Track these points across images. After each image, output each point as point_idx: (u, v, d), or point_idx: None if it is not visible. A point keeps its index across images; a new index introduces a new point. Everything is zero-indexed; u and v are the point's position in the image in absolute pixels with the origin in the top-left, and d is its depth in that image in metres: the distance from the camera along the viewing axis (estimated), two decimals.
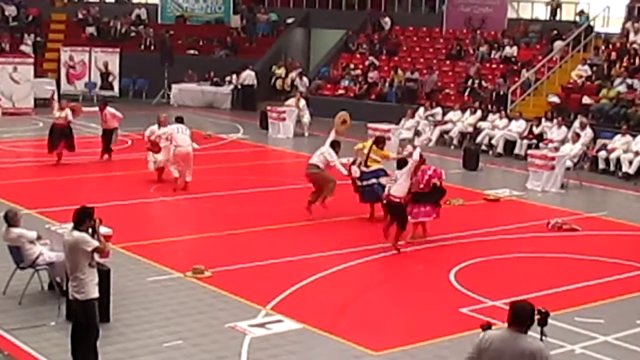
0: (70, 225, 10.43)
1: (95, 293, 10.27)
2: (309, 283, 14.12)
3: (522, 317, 7.62)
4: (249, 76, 36.06)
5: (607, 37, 31.89)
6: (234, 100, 36.44)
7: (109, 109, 24.00)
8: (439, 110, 29.90)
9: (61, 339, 11.03)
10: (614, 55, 29.89)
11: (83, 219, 10.26)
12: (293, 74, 36.86)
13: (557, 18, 36.11)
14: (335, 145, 18.40)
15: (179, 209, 19.22)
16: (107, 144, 23.89)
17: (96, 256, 10.33)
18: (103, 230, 10.79)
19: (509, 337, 7.61)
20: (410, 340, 11.83)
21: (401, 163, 16.38)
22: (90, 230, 10.28)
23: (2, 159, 24.13)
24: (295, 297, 13.43)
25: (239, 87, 36.34)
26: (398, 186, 15.94)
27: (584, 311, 13.01)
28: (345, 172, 18.28)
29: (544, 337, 8.52)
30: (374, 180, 18.08)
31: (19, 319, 12.10)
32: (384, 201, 16.15)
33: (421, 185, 16.60)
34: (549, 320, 8.83)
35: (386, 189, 16.29)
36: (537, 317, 8.73)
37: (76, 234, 10.17)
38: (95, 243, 10.16)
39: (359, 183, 18.33)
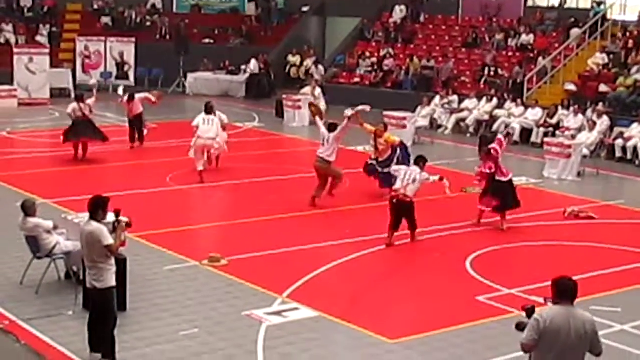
0: (86, 214, 10.46)
1: (113, 281, 10.31)
2: (325, 271, 14.12)
3: (569, 290, 7.89)
4: (254, 65, 36.29)
5: (624, 25, 31.70)
6: (248, 89, 36.49)
7: (138, 95, 24.46)
8: (455, 98, 29.85)
9: (78, 328, 11.06)
10: (631, 43, 29.71)
11: (96, 208, 10.28)
12: (308, 62, 36.85)
13: (573, 5, 35.92)
14: (332, 127, 18.55)
15: (195, 198, 19.25)
16: (139, 132, 24.19)
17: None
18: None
19: (566, 312, 7.83)
20: (426, 329, 11.83)
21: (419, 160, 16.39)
22: (111, 226, 10.32)
23: (18, 149, 24.24)
24: (312, 285, 13.45)
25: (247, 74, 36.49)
26: (412, 187, 15.79)
27: (600, 300, 12.95)
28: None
29: None
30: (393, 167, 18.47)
31: (36, 308, 12.15)
32: (394, 200, 15.79)
33: (477, 179, 17.21)
34: None
35: (401, 188, 15.83)
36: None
37: (93, 225, 10.17)
38: (110, 240, 10.15)
39: (379, 169, 18.94)
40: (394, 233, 15.75)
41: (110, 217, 10.70)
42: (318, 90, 30.34)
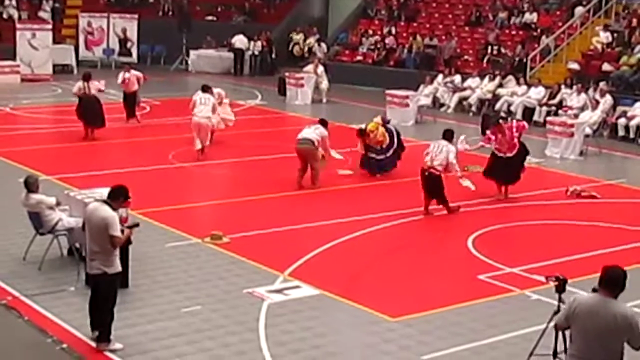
0: (89, 191, 10.45)
1: (120, 265, 10.38)
2: (327, 249, 14.14)
3: (614, 282, 7.57)
4: (238, 40, 36.28)
5: (627, 4, 31.57)
6: (252, 67, 36.42)
7: (134, 72, 24.20)
8: (457, 76, 29.81)
9: (81, 304, 11.08)
10: (634, 21, 29.61)
11: (117, 196, 10.27)
12: (311, 40, 36.75)
13: None
14: (324, 123, 18.59)
15: (197, 176, 19.25)
16: (132, 108, 24.07)
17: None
18: None
19: (599, 303, 7.55)
20: (427, 307, 11.85)
21: (447, 134, 16.54)
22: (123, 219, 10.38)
23: (21, 125, 24.23)
24: (313, 264, 13.47)
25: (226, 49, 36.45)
26: (441, 161, 15.94)
27: None
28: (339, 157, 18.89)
29: (561, 304, 8.54)
30: (387, 155, 19.09)
31: (38, 284, 12.18)
32: (426, 173, 16.09)
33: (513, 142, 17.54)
34: (567, 287, 8.85)
35: (428, 161, 16.14)
36: (554, 283, 8.75)
37: (108, 212, 10.10)
38: (118, 233, 10.14)
39: (373, 156, 19.05)
40: (428, 203, 16.29)
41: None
42: (321, 69, 30.31)
